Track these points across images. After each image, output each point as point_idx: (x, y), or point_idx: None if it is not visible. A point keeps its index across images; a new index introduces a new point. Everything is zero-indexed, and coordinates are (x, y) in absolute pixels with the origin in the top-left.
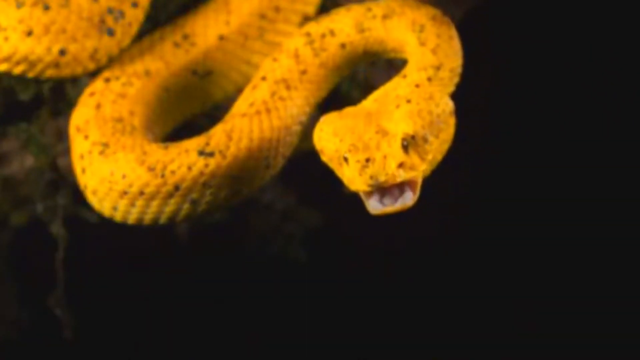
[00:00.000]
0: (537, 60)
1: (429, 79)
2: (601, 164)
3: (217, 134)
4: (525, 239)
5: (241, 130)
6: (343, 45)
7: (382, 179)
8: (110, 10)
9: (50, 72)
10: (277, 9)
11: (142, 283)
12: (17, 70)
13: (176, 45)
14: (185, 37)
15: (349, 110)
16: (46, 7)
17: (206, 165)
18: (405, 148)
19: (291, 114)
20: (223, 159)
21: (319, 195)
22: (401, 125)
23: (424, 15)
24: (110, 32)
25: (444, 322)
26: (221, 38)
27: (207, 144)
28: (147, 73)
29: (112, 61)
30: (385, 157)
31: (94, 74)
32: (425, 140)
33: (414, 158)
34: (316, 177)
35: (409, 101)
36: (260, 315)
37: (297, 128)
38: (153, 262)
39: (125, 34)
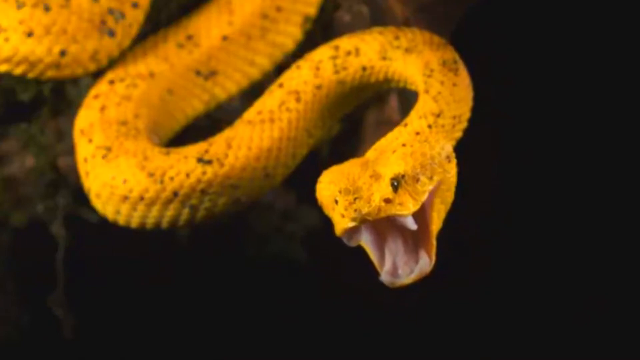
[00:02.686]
0: (539, 60)
1: (429, 126)
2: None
3: (218, 141)
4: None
5: (241, 138)
6: (364, 68)
7: (365, 210)
8: (110, 11)
9: (50, 73)
10: (278, 9)
11: (142, 283)
12: (18, 71)
13: (180, 46)
14: (189, 37)
15: (349, 161)
16: (47, 8)
17: (204, 173)
18: (395, 187)
19: (296, 126)
20: (220, 167)
21: None
22: (393, 167)
23: (436, 59)
24: (111, 33)
25: (442, 322)
26: (224, 38)
27: (207, 151)
28: (152, 75)
29: (112, 62)
30: (372, 194)
31: (95, 75)
32: (416, 180)
33: (403, 197)
34: (316, 177)
35: (404, 145)
36: (260, 315)
37: (303, 140)
38: (153, 261)
39: (126, 35)
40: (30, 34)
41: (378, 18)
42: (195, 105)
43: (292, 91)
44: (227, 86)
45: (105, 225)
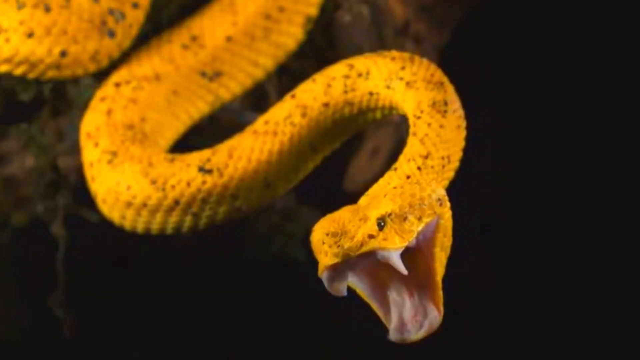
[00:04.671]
0: (540, 60)
1: (419, 168)
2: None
3: (221, 150)
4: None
5: (243, 149)
6: (371, 93)
7: (346, 245)
8: (111, 12)
9: (51, 74)
10: (281, 9)
11: (143, 283)
12: (18, 71)
13: (185, 47)
14: (194, 39)
15: (343, 208)
16: (47, 9)
17: (204, 183)
18: (381, 226)
19: (299, 141)
20: (220, 177)
21: (319, 195)
22: (381, 208)
23: (427, 100)
24: (111, 34)
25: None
26: (229, 39)
27: (209, 159)
28: (157, 77)
29: (113, 63)
30: (358, 232)
31: (95, 75)
32: (404, 218)
33: (389, 234)
34: (316, 178)
35: (395, 187)
36: (260, 316)
37: (307, 155)
38: (153, 262)
39: (126, 35)
40: (30, 35)
41: (378, 18)
42: (200, 106)
43: (300, 105)
44: (232, 87)
45: (105, 225)
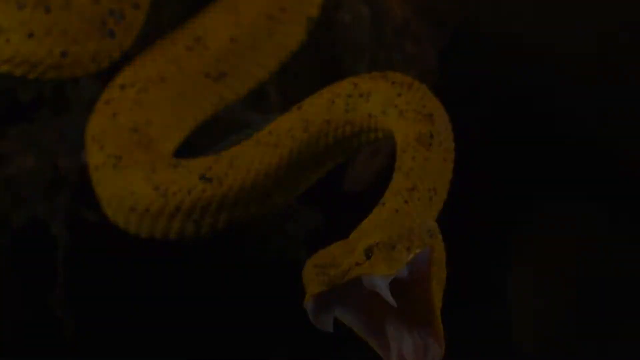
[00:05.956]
0: (540, 61)
1: (406, 202)
2: None
3: (223, 159)
4: None
5: (243, 159)
6: (370, 115)
7: (332, 272)
8: (111, 12)
9: (51, 74)
10: (282, 10)
11: (143, 283)
12: (18, 71)
13: (189, 48)
14: (198, 40)
15: (335, 243)
16: (47, 9)
17: (204, 191)
18: (369, 256)
19: (298, 155)
20: (219, 187)
21: (319, 195)
22: (369, 239)
23: (414, 133)
24: (112, 34)
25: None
26: (232, 40)
27: (211, 167)
28: (162, 79)
29: (113, 63)
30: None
31: (96, 75)
32: (392, 247)
33: (375, 262)
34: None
35: (385, 220)
36: (260, 316)
37: (308, 168)
38: (153, 261)
39: (126, 35)
40: (31, 35)
41: (378, 18)
42: (205, 107)
43: (303, 119)
44: (236, 88)
45: (105, 225)
